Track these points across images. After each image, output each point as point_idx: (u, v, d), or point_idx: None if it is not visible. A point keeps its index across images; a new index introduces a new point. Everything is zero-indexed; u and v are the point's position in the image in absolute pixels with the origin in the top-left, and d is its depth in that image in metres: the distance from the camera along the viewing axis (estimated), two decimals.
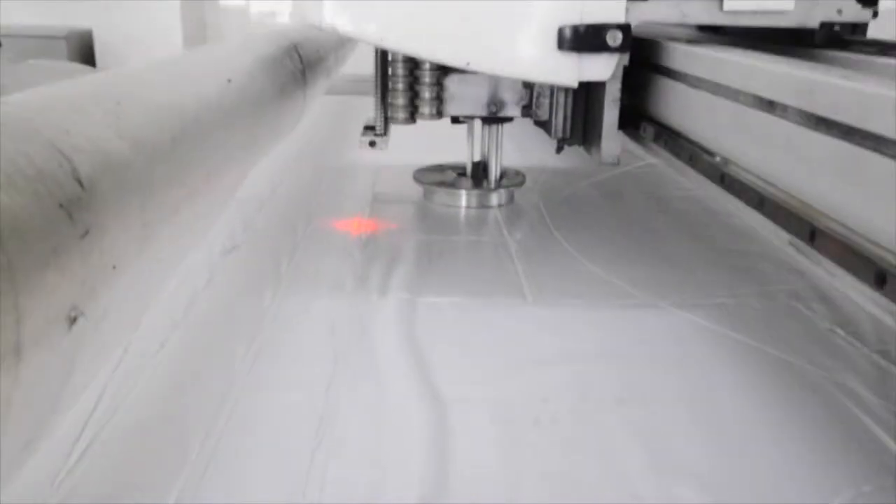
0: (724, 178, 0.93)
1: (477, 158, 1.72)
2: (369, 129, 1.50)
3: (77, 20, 3.53)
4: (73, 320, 0.50)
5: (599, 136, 1.24)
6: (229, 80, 1.03)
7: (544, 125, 1.46)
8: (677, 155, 1.10)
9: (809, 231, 0.73)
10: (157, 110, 0.75)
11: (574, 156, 1.64)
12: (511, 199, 1.67)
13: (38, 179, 0.48)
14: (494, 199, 1.65)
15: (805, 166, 0.76)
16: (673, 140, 1.11)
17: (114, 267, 0.57)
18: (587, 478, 0.75)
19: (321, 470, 0.74)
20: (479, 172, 1.71)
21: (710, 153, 1.00)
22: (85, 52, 3.57)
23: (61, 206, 0.49)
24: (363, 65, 1.86)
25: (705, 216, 1.55)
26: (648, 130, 1.21)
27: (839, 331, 1.04)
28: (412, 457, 0.77)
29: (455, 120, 1.58)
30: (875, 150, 0.65)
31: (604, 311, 1.12)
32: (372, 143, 1.48)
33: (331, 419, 0.83)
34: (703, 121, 1.03)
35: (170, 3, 3.61)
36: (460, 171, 1.73)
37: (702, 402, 0.89)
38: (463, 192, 1.64)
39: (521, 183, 1.70)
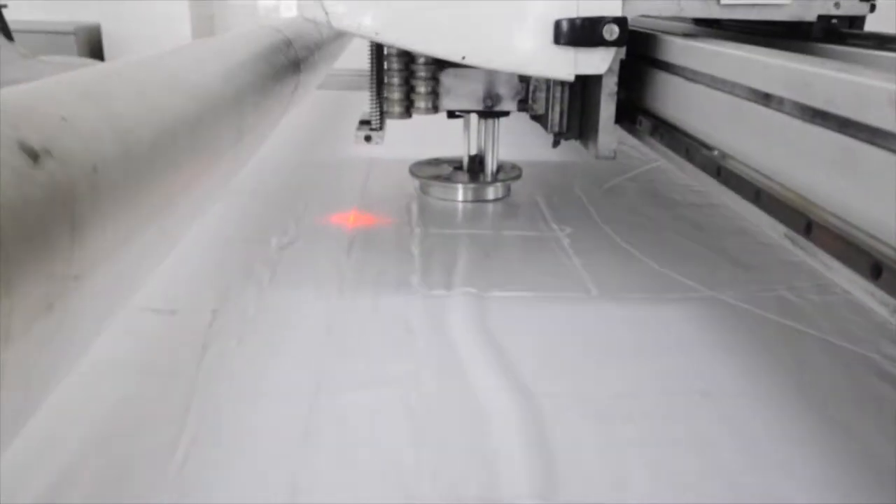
0: (721, 172, 0.93)
1: (473, 152, 1.72)
2: (365, 123, 1.50)
3: (85, 15, 3.54)
4: (58, 310, 0.50)
5: (596, 130, 1.24)
6: (223, 72, 1.03)
7: (540, 119, 1.46)
8: (674, 149, 1.10)
9: (805, 224, 0.73)
10: (149, 102, 0.75)
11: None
12: (508, 192, 1.67)
13: (27, 172, 0.48)
14: (491, 192, 1.65)
15: (801, 159, 0.76)
16: (669, 134, 1.11)
17: (105, 256, 0.57)
18: (690, 474, 0.75)
19: (430, 467, 0.74)
20: (475, 166, 1.71)
21: (707, 146, 1.00)
22: (93, 46, 3.57)
23: (54, 199, 0.49)
24: (356, 60, 1.87)
25: None
26: (645, 124, 1.21)
27: None
28: (516, 453, 0.77)
29: (451, 115, 1.57)
30: (871, 142, 0.64)
31: (669, 304, 1.13)
32: (367, 138, 1.48)
33: (426, 416, 0.83)
34: (700, 114, 1.03)
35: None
36: (456, 166, 1.73)
37: (785, 395, 0.89)
38: (459, 187, 1.64)
39: (518, 177, 1.70)
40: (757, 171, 0.86)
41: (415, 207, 1.57)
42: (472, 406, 0.85)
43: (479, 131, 1.69)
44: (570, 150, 1.97)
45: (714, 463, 0.77)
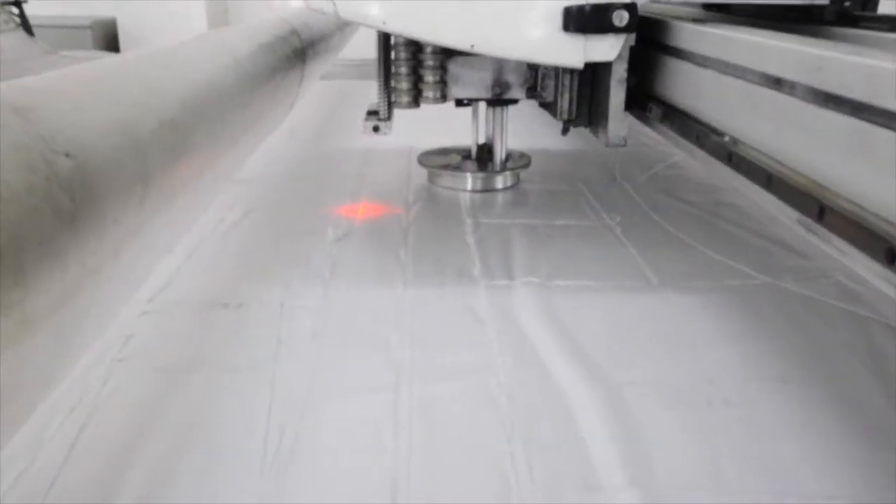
0: (732, 158, 0.93)
1: (482, 141, 1.71)
2: (373, 114, 1.49)
3: (101, 9, 3.56)
4: (72, 303, 0.50)
5: (606, 118, 1.24)
6: (231, 64, 1.02)
7: (549, 107, 1.46)
8: (685, 135, 1.09)
9: (818, 209, 0.72)
10: (159, 94, 0.75)
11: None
12: (517, 181, 1.67)
13: (35, 166, 0.48)
14: (500, 181, 1.65)
15: (814, 144, 0.76)
16: (680, 120, 1.11)
17: (115, 252, 0.57)
18: (782, 459, 0.76)
19: (525, 460, 0.75)
20: (483, 155, 1.71)
21: (719, 133, 0.99)
22: (109, 40, 3.59)
23: (61, 188, 0.49)
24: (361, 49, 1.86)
25: None
26: (655, 111, 1.20)
27: None
28: (607, 442, 0.78)
29: (459, 103, 1.57)
30: (885, 125, 0.64)
31: (730, 292, 1.14)
32: (376, 129, 1.48)
33: (513, 406, 0.84)
34: (711, 100, 1.03)
35: None
36: (465, 154, 1.73)
37: (859, 381, 0.90)
38: (468, 175, 1.64)
39: (527, 165, 1.69)
40: (769, 156, 0.86)
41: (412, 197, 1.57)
42: (554, 396, 0.86)
43: (487, 120, 1.68)
44: (579, 138, 1.97)
45: (803, 448, 0.77)
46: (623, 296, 1.13)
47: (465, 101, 1.57)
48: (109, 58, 0.85)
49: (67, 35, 3.27)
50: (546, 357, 0.94)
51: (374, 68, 1.48)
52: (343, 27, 2.15)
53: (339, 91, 2.83)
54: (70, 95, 0.60)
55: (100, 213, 0.54)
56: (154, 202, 0.68)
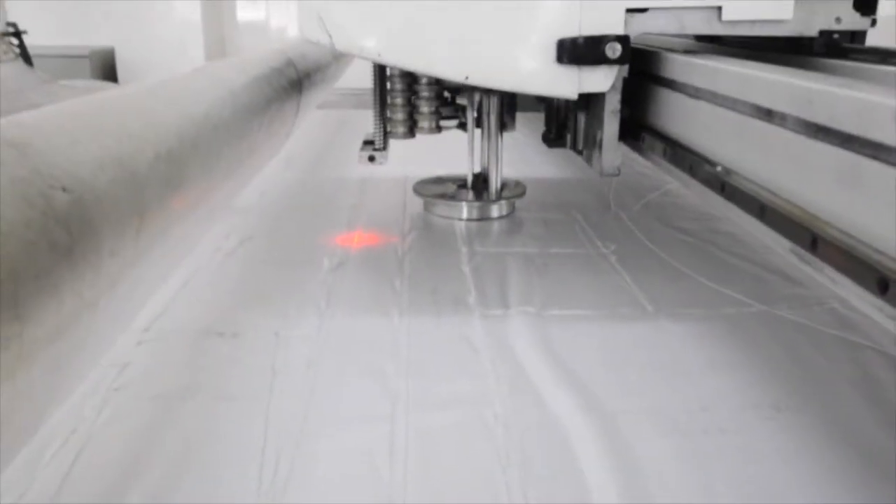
0: (725, 188, 0.94)
1: (477, 170, 1.72)
2: (368, 143, 1.51)
3: (99, 39, 3.59)
4: (68, 335, 0.50)
5: (600, 148, 1.25)
6: (227, 96, 1.03)
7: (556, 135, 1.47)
8: (678, 165, 1.10)
9: (811, 238, 0.73)
10: (155, 128, 0.75)
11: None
12: (512, 210, 1.68)
13: (32, 200, 0.48)
14: (495, 210, 1.65)
15: (805, 175, 0.77)
16: (673, 150, 1.12)
17: (111, 280, 0.58)
18: (776, 484, 0.76)
19: (519, 487, 0.75)
20: (479, 184, 1.72)
21: (711, 163, 1.00)
22: (107, 69, 3.62)
23: (58, 222, 0.49)
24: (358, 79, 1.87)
25: None
26: (648, 141, 1.21)
27: None
28: (602, 470, 0.78)
29: (462, 126, 1.59)
30: (875, 157, 0.65)
31: (725, 319, 1.14)
32: (371, 158, 1.49)
33: (509, 436, 0.84)
34: (703, 130, 1.04)
35: (190, 19, 3.67)
36: (460, 184, 1.74)
37: (855, 408, 0.90)
38: (464, 204, 1.64)
39: (522, 193, 1.70)
40: (761, 186, 0.86)
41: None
42: (550, 425, 0.86)
43: (482, 149, 1.69)
44: (574, 166, 1.99)
45: (798, 476, 0.78)
46: (618, 324, 1.13)
47: (462, 121, 1.59)
48: (106, 90, 0.86)
49: (66, 64, 3.29)
50: (541, 386, 0.94)
51: (370, 98, 1.50)
52: (339, 57, 2.17)
53: (335, 120, 2.85)
54: (67, 129, 0.60)
55: (96, 245, 0.55)
56: (150, 234, 0.68)
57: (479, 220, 1.63)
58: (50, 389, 0.51)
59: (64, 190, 0.51)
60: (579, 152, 1.41)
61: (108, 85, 2.96)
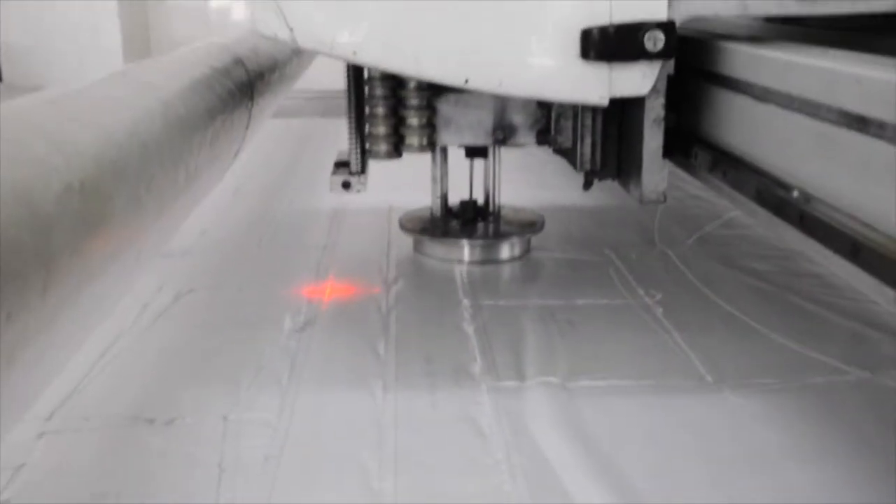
0: (804, 219, 0.93)
1: (481, 198, 1.72)
2: (342, 165, 1.50)
3: None
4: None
5: (640, 168, 1.25)
6: (157, 107, 1.03)
7: (567, 154, 1.47)
8: (741, 189, 1.10)
9: None
10: (63, 151, 0.75)
11: None
12: (527, 249, 1.67)
13: None
14: (505, 250, 1.65)
15: None
16: (735, 169, 1.11)
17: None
18: None
19: None
20: (483, 216, 1.71)
21: (785, 186, 0.99)
22: None
23: None
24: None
25: None
26: (702, 157, 1.21)
27: None
28: None
29: (471, 152, 1.59)
30: None
31: (811, 392, 1.13)
32: (346, 185, 1.48)
33: None
34: (775, 144, 1.03)
35: (104, 3, 3.59)
36: (460, 216, 1.73)
37: None
38: (465, 243, 1.64)
39: (540, 228, 1.70)
40: (853, 217, 0.86)
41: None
42: None
43: (486, 171, 1.69)
44: (607, 191, 1.99)
45: None
46: (667, 399, 1.13)
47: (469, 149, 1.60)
48: None
49: None
50: (569, 482, 0.93)
51: (341, 101, 1.49)
52: (301, 52, 2.18)
53: (297, 133, 2.87)
54: None
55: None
56: (59, 290, 0.67)
57: (484, 262, 1.63)
58: None
59: None
60: (592, 174, 1.40)
61: None
